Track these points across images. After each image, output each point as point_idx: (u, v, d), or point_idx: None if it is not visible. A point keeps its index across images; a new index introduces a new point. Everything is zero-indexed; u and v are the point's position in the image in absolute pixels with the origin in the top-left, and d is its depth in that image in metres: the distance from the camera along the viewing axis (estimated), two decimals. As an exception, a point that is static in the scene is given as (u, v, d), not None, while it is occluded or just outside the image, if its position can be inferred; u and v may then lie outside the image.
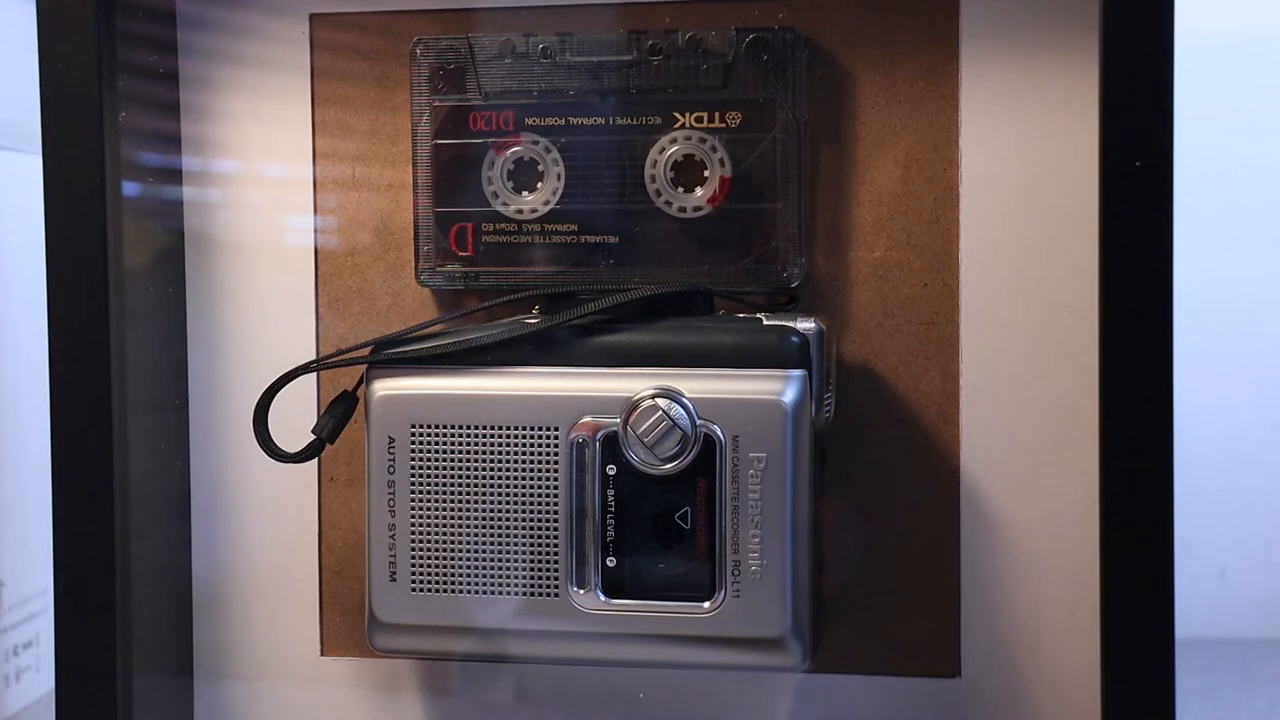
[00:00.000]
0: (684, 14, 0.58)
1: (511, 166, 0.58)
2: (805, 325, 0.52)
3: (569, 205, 0.58)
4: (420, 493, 0.52)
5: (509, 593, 0.52)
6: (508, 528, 0.52)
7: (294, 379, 0.55)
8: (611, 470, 0.51)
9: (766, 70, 0.56)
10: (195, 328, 0.62)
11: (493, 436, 0.52)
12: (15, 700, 0.73)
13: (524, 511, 0.52)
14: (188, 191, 0.61)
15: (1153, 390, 0.50)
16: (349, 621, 0.62)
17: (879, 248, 0.58)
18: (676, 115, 0.57)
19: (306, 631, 0.62)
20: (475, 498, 0.52)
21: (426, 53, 0.58)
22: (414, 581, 0.52)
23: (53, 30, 0.55)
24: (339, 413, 0.56)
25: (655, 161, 0.58)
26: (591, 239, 0.58)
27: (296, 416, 0.58)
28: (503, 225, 0.59)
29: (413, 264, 0.60)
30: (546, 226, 0.58)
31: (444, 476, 0.52)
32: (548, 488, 0.52)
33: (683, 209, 0.58)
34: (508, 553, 0.52)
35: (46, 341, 0.55)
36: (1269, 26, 0.83)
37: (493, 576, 0.52)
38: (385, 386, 0.53)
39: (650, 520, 0.52)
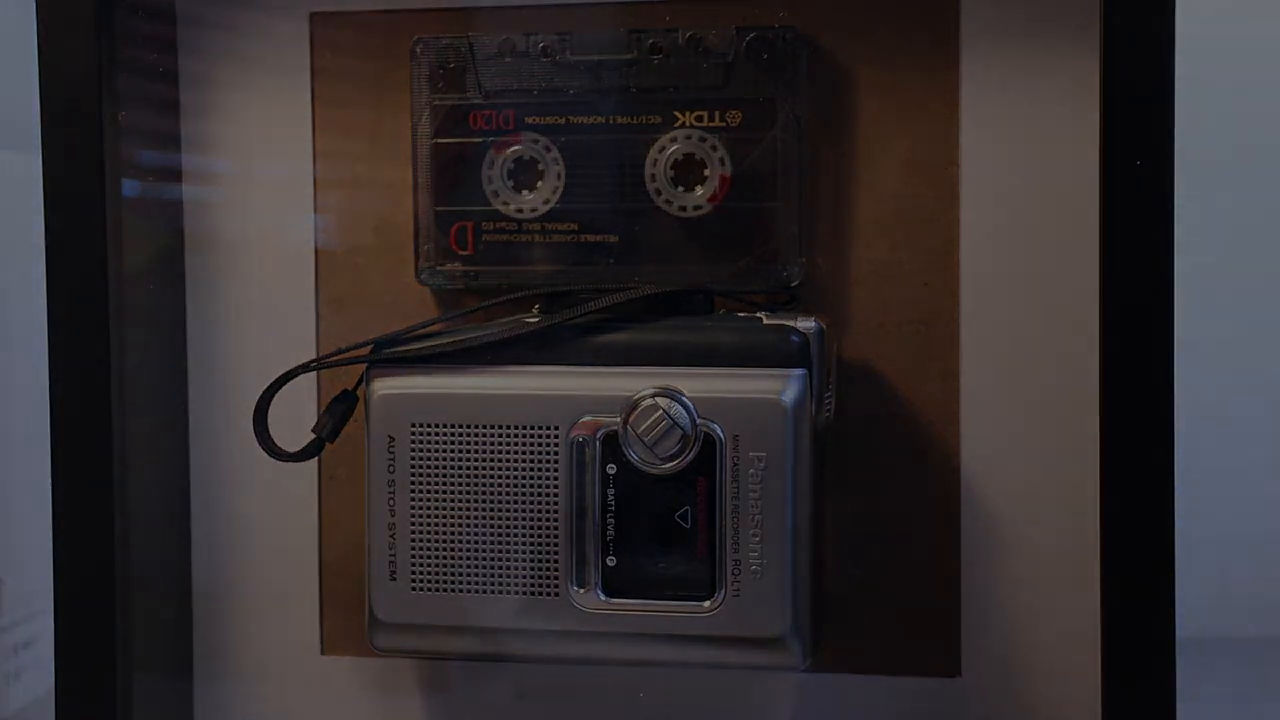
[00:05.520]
0: (684, 13, 0.58)
1: (511, 165, 0.58)
2: (805, 324, 0.52)
3: (569, 204, 0.58)
4: (420, 492, 0.52)
5: (509, 592, 0.52)
6: (508, 527, 0.52)
7: (294, 379, 0.55)
8: (611, 469, 0.51)
9: (766, 69, 0.56)
10: (195, 328, 0.62)
11: (493, 436, 0.52)
12: (15, 700, 0.73)
13: (524, 511, 0.52)
14: (187, 191, 0.61)
15: (1153, 390, 0.50)
16: (349, 621, 0.61)
17: (879, 248, 0.58)
18: (677, 114, 0.57)
19: (306, 631, 0.62)
20: (475, 497, 0.52)
21: (426, 52, 0.58)
22: (414, 581, 0.52)
23: (53, 30, 0.55)
24: (339, 412, 0.56)
25: (655, 160, 0.58)
26: (591, 238, 0.58)
27: (296, 416, 0.58)
28: (503, 224, 0.59)
29: (413, 263, 0.60)
30: (547, 225, 0.58)
31: (444, 476, 0.52)
32: (548, 487, 0.52)
33: (683, 208, 0.58)
34: (508, 552, 0.52)
35: (46, 341, 0.55)
36: (1269, 25, 0.83)
37: (493, 576, 0.52)
38: (385, 386, 0.53)
39: (650, 519, 0.52)
